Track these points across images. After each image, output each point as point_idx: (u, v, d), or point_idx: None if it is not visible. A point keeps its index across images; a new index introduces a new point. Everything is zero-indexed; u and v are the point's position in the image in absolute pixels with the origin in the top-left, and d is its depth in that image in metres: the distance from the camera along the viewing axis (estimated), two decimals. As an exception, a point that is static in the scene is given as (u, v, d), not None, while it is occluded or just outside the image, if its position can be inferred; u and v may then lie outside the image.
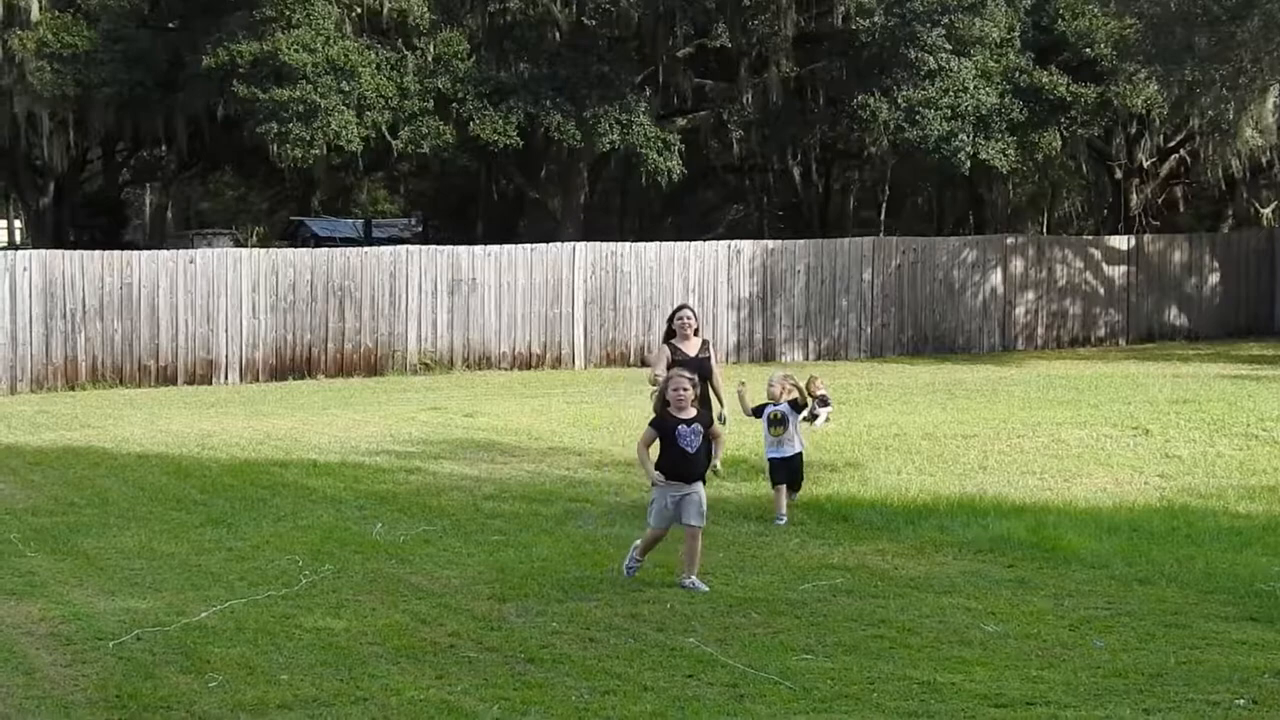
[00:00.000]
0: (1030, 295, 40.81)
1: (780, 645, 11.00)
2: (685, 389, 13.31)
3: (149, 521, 16.32)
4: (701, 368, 15.96)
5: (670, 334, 16.85)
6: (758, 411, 16.63)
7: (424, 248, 36.59)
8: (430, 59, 39.96)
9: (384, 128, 39.50)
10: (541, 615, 12.03)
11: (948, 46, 40.76)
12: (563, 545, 14.84)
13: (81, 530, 15.83)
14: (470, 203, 55.28)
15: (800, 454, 16.62)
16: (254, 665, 10.58)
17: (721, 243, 38.63)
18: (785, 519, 15.91)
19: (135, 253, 34.56)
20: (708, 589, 12.71)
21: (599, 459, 20.37)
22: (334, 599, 12.61)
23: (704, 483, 13.35)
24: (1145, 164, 50.05)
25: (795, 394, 16.55)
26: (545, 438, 22.47)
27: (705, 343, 16.91)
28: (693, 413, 13.31)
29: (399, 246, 37.65)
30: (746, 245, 38.53)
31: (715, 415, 15.37)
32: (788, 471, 16.41)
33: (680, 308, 17.03)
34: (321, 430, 23.67)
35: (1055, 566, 13.59)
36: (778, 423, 16.43)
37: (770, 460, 16.55)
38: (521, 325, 35.72)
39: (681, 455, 13.08)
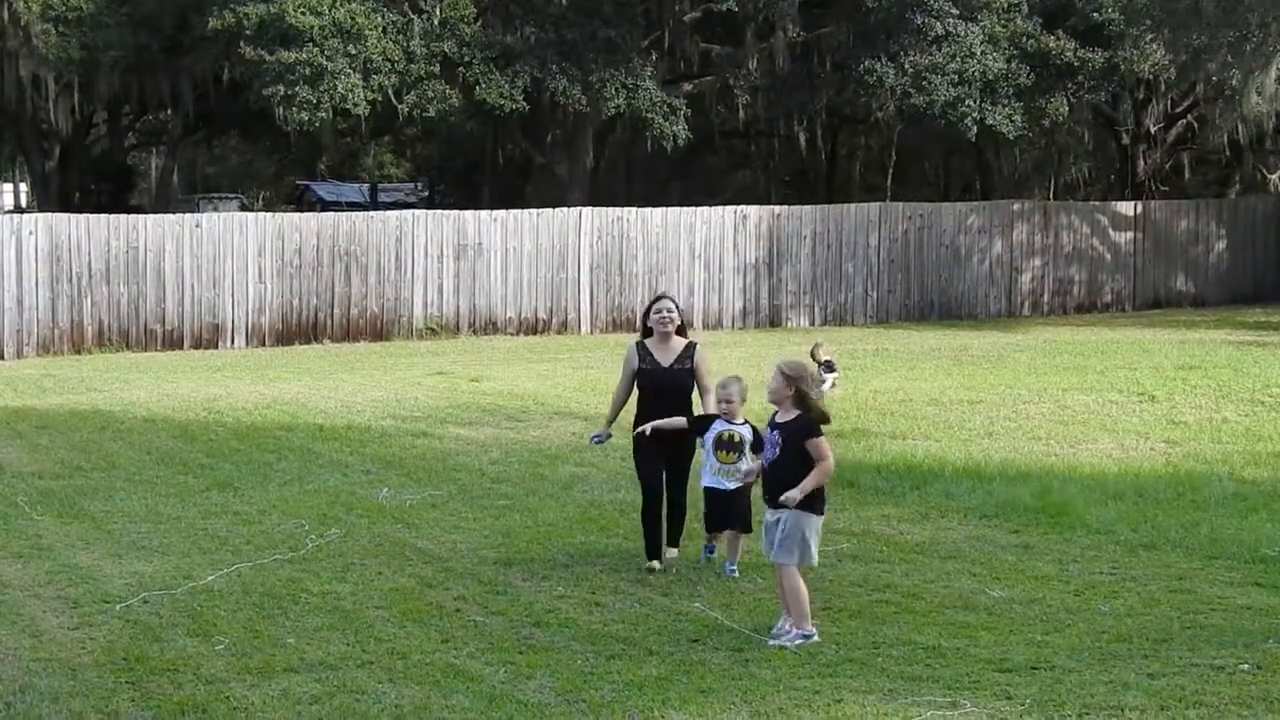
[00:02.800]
0: (1036, 261, 40.76)
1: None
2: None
3: (155, 485, 16.35)
4: (673, 381, 12.65)
5: (647, 331, 12.93)
6: (700, 426, 12.44)
7: (430, 212, 36.58)
8: (436, 23, 39.85)
9: (390, 91, 39.42)
10: (547, 580, 12.06)
11: (955, 11, 40.60)
12: (568, 510, 14.87)
13: (88, 494, 15.87)
14: (476, 168, 55.21)
15: (747, 489, 12.09)
16: (260, 629, 10.62)
17: (728, 208, 38.58)
18: (735, 568, 12.23)
19: (141, 216, 34.59)
20: (794, 646, 10.08)
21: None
22: (340, 563, 12.64)
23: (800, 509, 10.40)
24: (1152, 130, 49.93)
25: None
26: (551, 403, 22.49)
27: (691, 345, 12.79)
28: (789, 414, 10.59)
29: (405, 211, 37.66)
30: (753, 211, 38.49)
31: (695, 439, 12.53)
32: (725, 511, 12.31)
33: (658, 299, 12.99)
34: (328, 395, 23.68)
35: (1060, 532, 13.61)
36: (730, 447, 12.24)
37: (706, 491, 12.41)
38: (528, 290, 35.70)
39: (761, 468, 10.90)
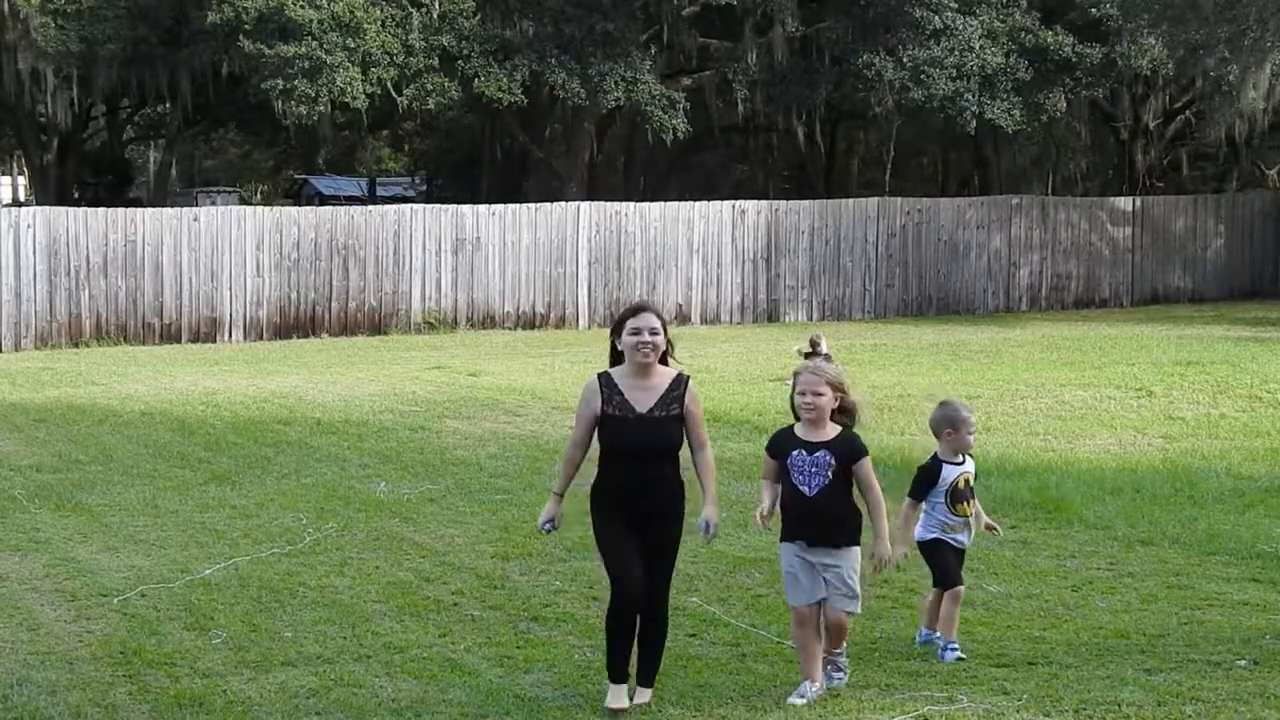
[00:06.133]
0: (1034, 256, 40.76)
1: (782, 605, 10.98)
2: (820, 392, 8.80)
3: (153, 478, 16.35)
4: (657, 436, 8.77)
5: (615, 357, 8.97)
6: (924, 483, 9.85)
7: (428, 206, 36.56)
8: (435, 16, 39.86)
9: (389, 85, 39.43)
10: (544, 574, 12.06)
11: (953, 5, 40.65)
12: (566, 505, 14.79)
13: (85, 487, 15.86)
14: (475, 162, 55.21)
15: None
16: (258, 622, 10.62)
17: (726, 203, 38.57)
18: (957, 648, 9.74)
19: (139, 210, 34.60)
20: (836, 684, 9.00)
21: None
22: (338, 557, 12.64)
23: (853, 544, 8.94)
24: (1150, 125, 49.93)
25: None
26: (549, 397, 22.48)
27: (680, 380, 8.86)
28: (827, 433, 8.80)
29: (403, 205, 37.63)
30: (751, 205, 38.49)
31: (703, 522, 8.78)
32: (959, 566, 10.03)
33: (636, 311, 8.92)
34: (325, 389, 23.69)
35: (1058, 527, 13.61)
36: (968, 496, 9.97)
37: (933, 544, 9.95)
38: (525, 285, 35.70)
39: (795, 497, 8.85)
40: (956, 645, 9.69)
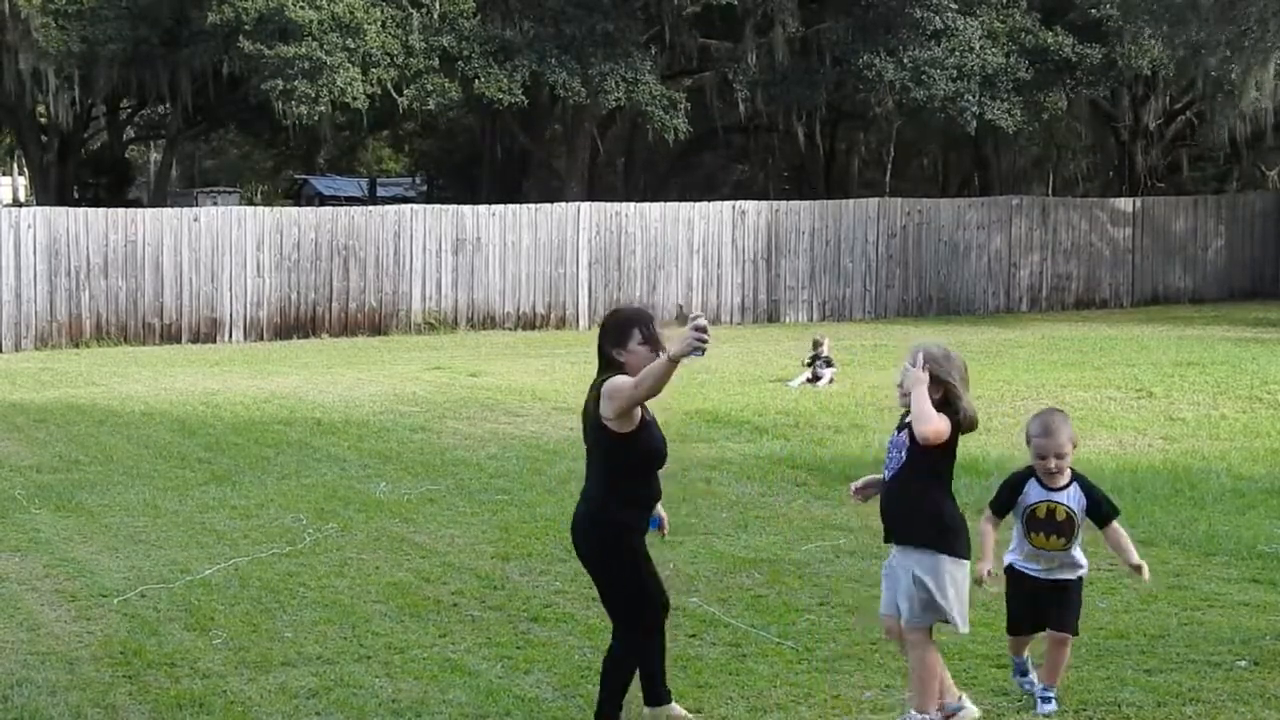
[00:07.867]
0: (1034, 257, 40.77)
1: (783, 605, 11.02)
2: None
3: (153, 479, 16.35)
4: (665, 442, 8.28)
5: (648, 333, 7.99)
6: (1005, 497, 8.56)
7: (428, 207, 36.57)
8: (435, 16, 39.87)
9: (389, 85, 39.44)
10: (544, 574, 12.06)
11: (954, 6, 40.66)
12: (566, 505, 14.71)
13: (85, 487, 15.86)
14: (475, 162, 55.24)
15: (1082, 579, 8.62)
16: (258, 623, 10.62)
17: (726, 203, 38.59)
18: (1054, 700, 8.48)
19: (140, 210, 34.63)
20: None
21: (603, 419, 20.36)
22: (338, 557, 12.64)
23: (935, 549, 7.92)
24: (1151, 126, 49.95)
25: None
26: (549, 398, 22.48)
27: None
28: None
29: (403, 206, 37.64)
30: (751, 206, 38.50)
31: (661, 519, 8.49)
32: (1034, 605, 8.57)
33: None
34: (326, 389, 23.69)
35: (1058, 528, 13.59)
36: (1049, 528, 8.48)
37: (1009, 572, 8.70)
38: (526, 285, 35.71)
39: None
40: (1052, 695, 8.49)
